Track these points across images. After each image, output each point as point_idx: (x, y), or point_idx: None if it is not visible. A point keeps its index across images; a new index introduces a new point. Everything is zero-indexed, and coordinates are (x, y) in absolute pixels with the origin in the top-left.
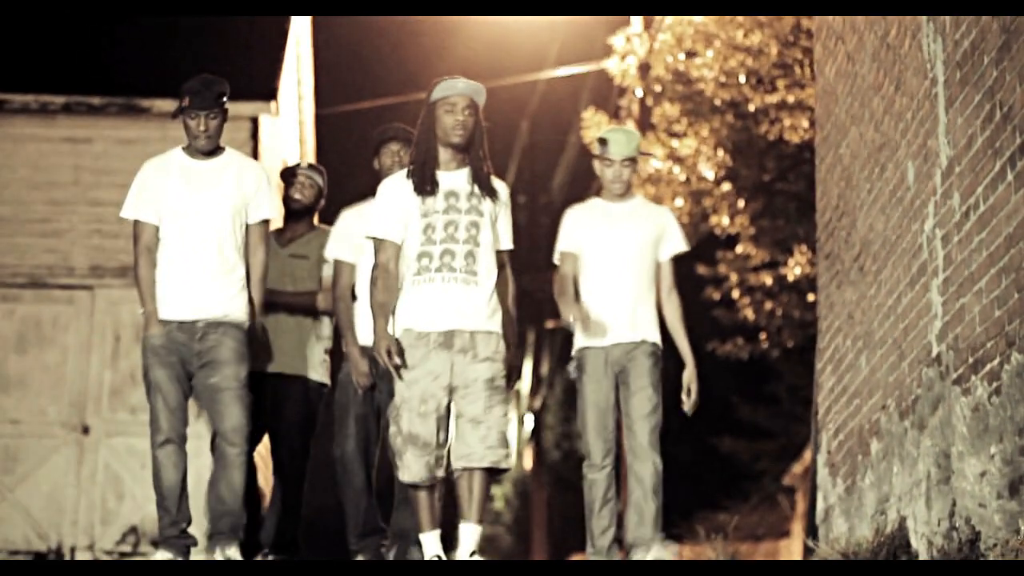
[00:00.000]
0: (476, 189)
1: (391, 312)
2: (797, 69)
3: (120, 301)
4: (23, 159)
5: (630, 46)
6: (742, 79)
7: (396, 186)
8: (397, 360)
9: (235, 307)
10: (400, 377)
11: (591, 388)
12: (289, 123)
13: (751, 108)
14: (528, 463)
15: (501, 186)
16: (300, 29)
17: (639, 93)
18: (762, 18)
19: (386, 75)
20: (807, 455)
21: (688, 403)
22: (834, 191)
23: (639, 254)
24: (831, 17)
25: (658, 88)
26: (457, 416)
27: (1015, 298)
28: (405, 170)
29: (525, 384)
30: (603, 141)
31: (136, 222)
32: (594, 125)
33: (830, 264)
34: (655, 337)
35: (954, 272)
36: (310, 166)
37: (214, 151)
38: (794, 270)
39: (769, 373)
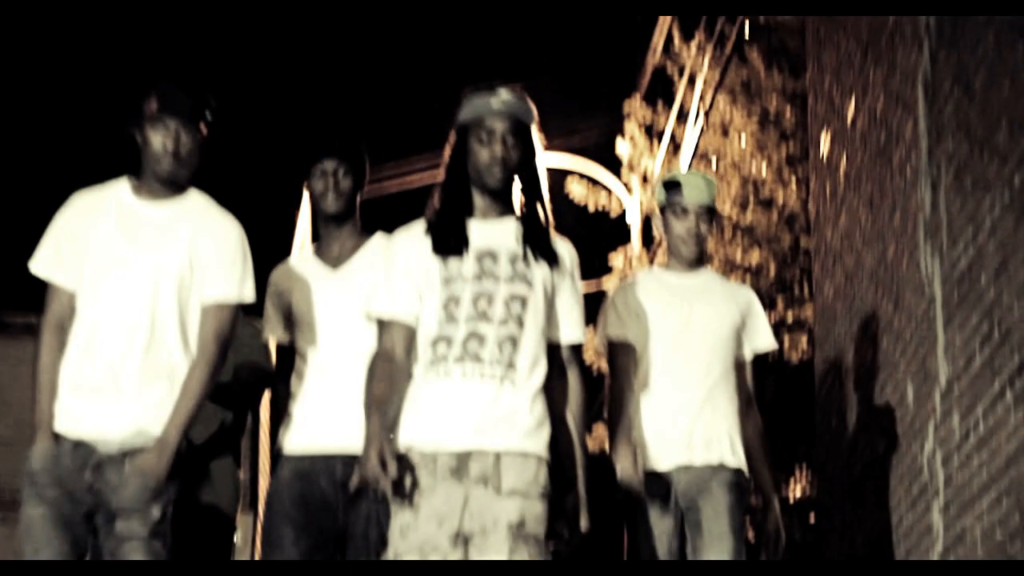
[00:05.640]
0: (526, 249)
1: (390, 414)
2: (796, 287)
3: None
4: (26, 380)
5: (629, 265)
6: None
7: (408, 243)
8: (392, 469)
9: (160, 425)
10: (398, 503)
11: (648, 528)
12: None
13: None
14: None
15: (565, 248)
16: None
17: None
18: (760, 235)
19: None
20: None
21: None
22: (833, 411)
23: (716, 345)
24: (829, 236)
25: None
26: None
27: (1016, 519)
28: (424, 221)
29: None
30: (672, 185)
31: (48, 285)
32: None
33: (831, 486)
34: (738, 462)
35: (955, 493)
36: None
37: (174, 187)
38: (795, 491)
39: None
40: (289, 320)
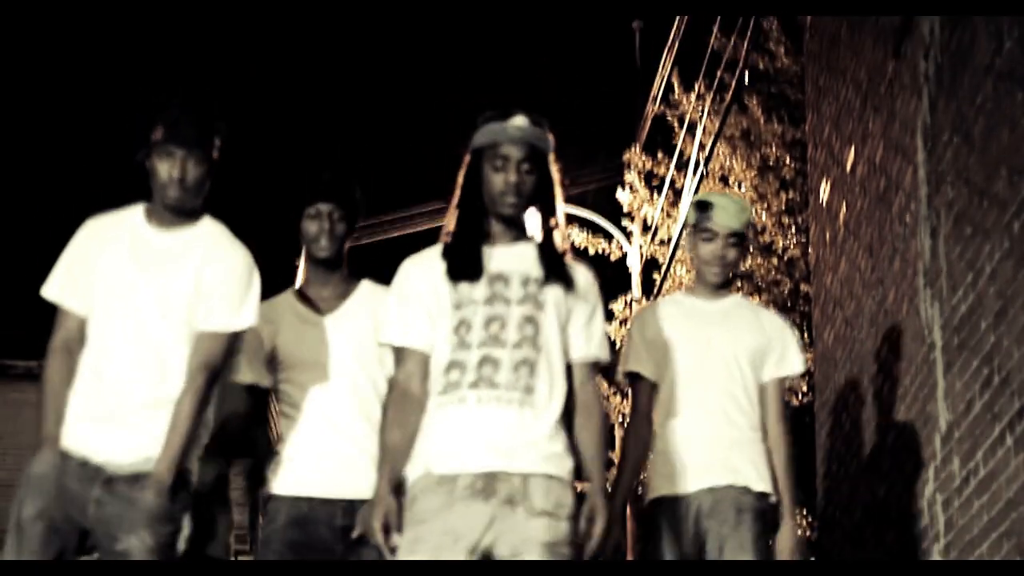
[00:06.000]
0: (539, 271)
1: (404, 459)
2: (796, 333)
3: None
4: (27, 425)
5: (629, 311)
6: None
7: (420, 268)
8: (395, 540)
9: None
10: (391, 550)
11: (666, 552)
12: None
13: None
14: None
15: (581, 271)
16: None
17: None
18: (760, 282)
19: None
20: None
21: None
22: (834, 456)
23: (735, 371)
24: (829, 282)
25: None
26: None
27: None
28: (440, 246)
29: None
30: (704, 206)
31: (58, 307)
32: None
33: (831, 530)
34: (763, 485)
35: (956, 537)
36: None
37: (185, 215)
38: None
39: None
40: (271, 363)
